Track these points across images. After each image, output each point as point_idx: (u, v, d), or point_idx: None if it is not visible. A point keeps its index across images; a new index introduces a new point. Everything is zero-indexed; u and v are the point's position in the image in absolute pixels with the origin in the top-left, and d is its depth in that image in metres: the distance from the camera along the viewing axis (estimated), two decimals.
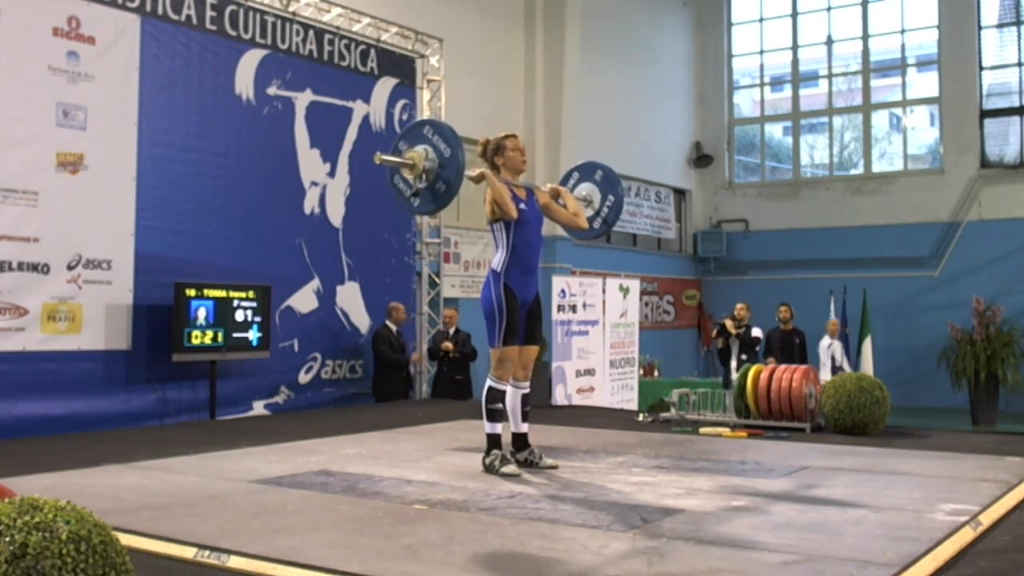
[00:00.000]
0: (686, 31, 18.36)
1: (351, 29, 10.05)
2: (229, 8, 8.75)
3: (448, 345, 9.91)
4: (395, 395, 9.69)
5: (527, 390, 5.43)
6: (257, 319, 8.46)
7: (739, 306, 11.18)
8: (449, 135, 5.11)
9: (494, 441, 5.27)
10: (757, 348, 11.13)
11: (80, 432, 7.04)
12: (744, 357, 10.72)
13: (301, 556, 3.36)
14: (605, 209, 6.19)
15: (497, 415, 5.28)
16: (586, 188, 6.20)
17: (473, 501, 4.42)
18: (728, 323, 11.11)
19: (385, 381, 9.70)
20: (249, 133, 8.89)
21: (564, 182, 6.28)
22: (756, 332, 11.17)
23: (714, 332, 11.44)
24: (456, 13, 12.55)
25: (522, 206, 5.35)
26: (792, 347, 11.27)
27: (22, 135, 7.17)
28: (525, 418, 5.40)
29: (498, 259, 5.34)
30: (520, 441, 5.42)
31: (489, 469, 5.19)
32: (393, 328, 9.76)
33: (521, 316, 5.32)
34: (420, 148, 5.10)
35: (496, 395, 5.28)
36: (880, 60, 17.44)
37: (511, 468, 5.15)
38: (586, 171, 6.29)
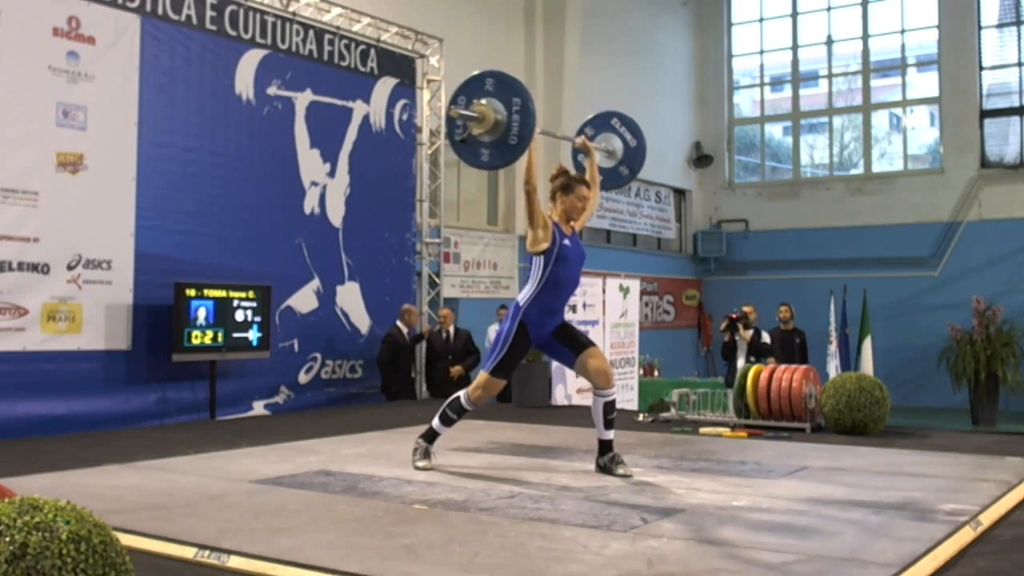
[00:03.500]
0: (686, 31, 18.36)
1: (351, 29, 10.06)
2: (229, 8, 8.75)
3: (457, 370, 9.89)
4: (405, 395, 9.76)
5: (609, 397, 5.17)
6: (257, 319, 8.46)
7: (748, 308, 11.09)
8: (516, 84, 4.87)
9: (429, 434, 5.35)
10: (764, 352, 10.97)
11: (80, 432, 7.04)
12: (752, 359, 10.64)
13: (301, 556, 3.36)
14: (628, 158, 5.94)
15: (449, 421, 5.31)
16: (605, 139, 5.94)
17: (473, 501, 4.42)
18: (742, 329, 10.91)
19: (397, 382, 9.79)
20: (249, 133, 8.90)
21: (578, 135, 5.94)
22: (765, 337, 11.07)
23: (723, 324, 11.29)
24: (456, 13, 12.54)
25: (566, 242, 5.09)
26: (792, 347, 11.24)
27: (22, 135, 7.17)
28: (609, 425, 5.21)
29: (525, 292, 5.12)
30: (603, 447, 5.27)
31: (412, 454, 5.34)
32: (404, 329, 9.80)
33: (551, 344, 5.19)
34: (486, 101, 4.83)
35: (458, 408, 5.26)
36: (880, 60, 17.44)
37: (424, 463, 5.27)
38: (600, 123, 5.98)
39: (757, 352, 10.79)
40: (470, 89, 4.94)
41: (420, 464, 5.27)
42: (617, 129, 5.95)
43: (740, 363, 10.81)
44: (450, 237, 12.34)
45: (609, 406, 5.18)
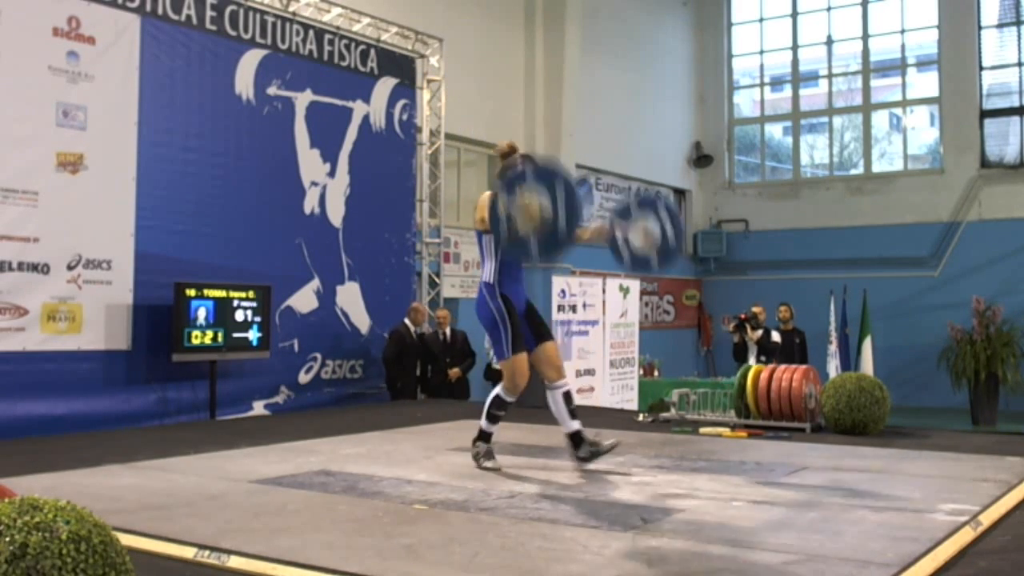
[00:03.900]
0: (686, 31, 18.36)
1: (351, 29, 10.06)
2: (229, 8, 8.75)
3: (455, 372, 9.87)
4: (408, 393, 9.76)
5: (565, 388, 5.34)
6: (257, 319, 8.46)
7: (757, 308, 11.06)
8: (559, 172, 4.68)
9: (484, 435, 5.40)
10: (774, 351, 10.90)
11: (80, 432, 7.04)
12: (764, 359, 10.62)
13: (301, 556, 3.37)
14: (661, 250, 5.59)
15: (496, 419, 5.37)
16: (645, 219, 5.58)
17: (473, 501, 4.42)
18: (750, 330, 10.87)
19: (404, 381, 9.80)
20: (249, 133, 8.89)
21: (620, 216, 5.66)
22: (776, 337, 11.04)
23: (732, 325, 11.25)
24: (456, 13, 12.55)
25: None
26: (792, 347, 11.24)
27: (22, 135, 7.17)
28: (574, 415, 5.30)
29: (488, 270, 5.30)
30: (575, 439, 5.32)
31: (474, 459, 5.37)
32: (411, 327, 9.79)
33: (522, 322, 5.33)
34: (534, 193, 4.63)
35: (502, 403, 5.34)
36: (880, 60, 17.44)
37: (492, 463, 5.30)
38: (647, 203, 5.65)
39: (767, 351, 10.77)
40: (513, 184, 4.77)
41: (488, 464, 5.29)
42: (661, 218, 5.74)
43: (752, 363, 10.76)
44: (450, 237, 12.34)
45: (567, 396, 5.33)
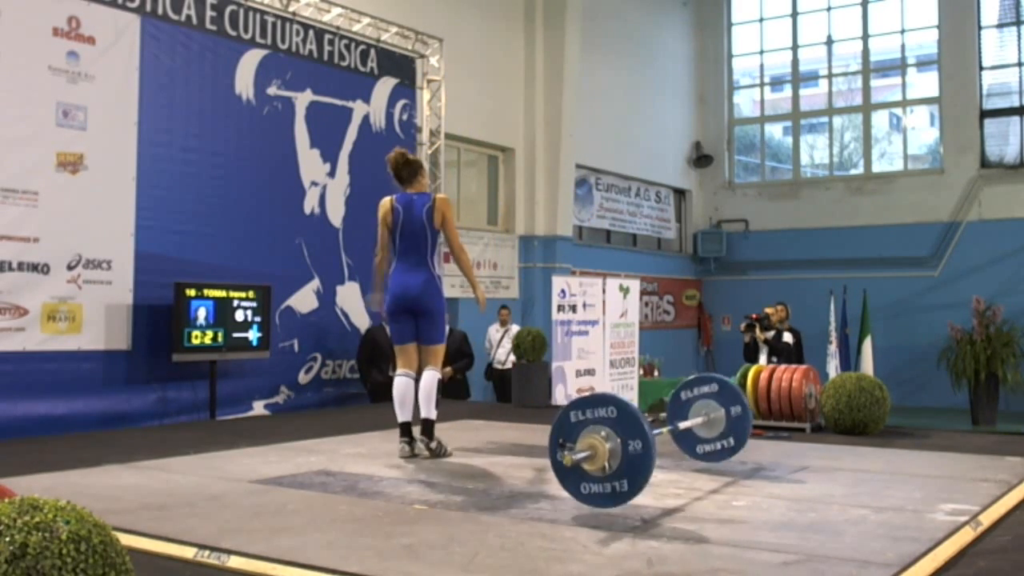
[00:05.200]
0: (686, 31, 18.37)
1: (351, 29, 10.06)
2: (229, 8, 8.75)
3: (448, 372, 9.81)
4: (383, 394, 9.69)
5: (410, 377, 5.90)
6: (257, 319, 8.46)
7: (770, 309, 11.03)
8: (639, 424, 4.12)
9: (433, 425, 5.81)
10: (783, 352, 10.81)
11: (80, 432, 7.04)
12: (774, 359, 10.59)
13: (301, 556, 3.37)
14: (730, 440, 5.40)
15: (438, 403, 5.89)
16: (705, 406, 5.47)
17: (473, 501, 4.42)
18: (758, 331, 10.84)
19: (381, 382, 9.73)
20: (249, 133, 8.89)
21: (681, 391, 5.60)
22: (787, 338, 11.00)
23: (743, 325, 11.25)
24: (456, 13, 12.55)
25: None
26: (789, 346, 11.21)
27: (22, 135, 7.17)
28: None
29: (436, 265, 5.82)
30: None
31: (440, 453, 5.73)
32: (387, 328, 9.73)
33: None
34: (594, 433, 4.13)
35: (442, 387, 5.95)
36: (880, 60, 17.46)
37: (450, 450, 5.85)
38: (703, 383, 5.48)
39: (778, 352, 10.74)
40: (586, 408, 4.26)
41: (452, 449, 5.82)
42: (716, 397, 5.39)
43: (762, 360, 10.72)
44: None
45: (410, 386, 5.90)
